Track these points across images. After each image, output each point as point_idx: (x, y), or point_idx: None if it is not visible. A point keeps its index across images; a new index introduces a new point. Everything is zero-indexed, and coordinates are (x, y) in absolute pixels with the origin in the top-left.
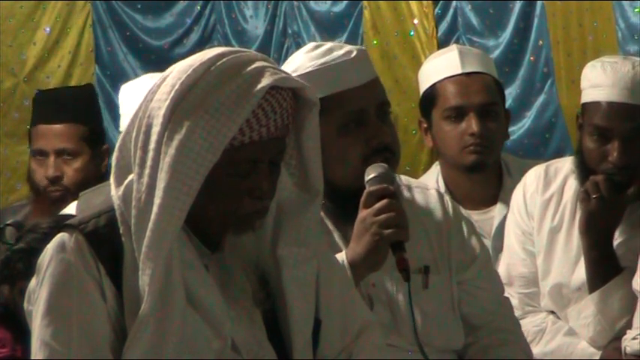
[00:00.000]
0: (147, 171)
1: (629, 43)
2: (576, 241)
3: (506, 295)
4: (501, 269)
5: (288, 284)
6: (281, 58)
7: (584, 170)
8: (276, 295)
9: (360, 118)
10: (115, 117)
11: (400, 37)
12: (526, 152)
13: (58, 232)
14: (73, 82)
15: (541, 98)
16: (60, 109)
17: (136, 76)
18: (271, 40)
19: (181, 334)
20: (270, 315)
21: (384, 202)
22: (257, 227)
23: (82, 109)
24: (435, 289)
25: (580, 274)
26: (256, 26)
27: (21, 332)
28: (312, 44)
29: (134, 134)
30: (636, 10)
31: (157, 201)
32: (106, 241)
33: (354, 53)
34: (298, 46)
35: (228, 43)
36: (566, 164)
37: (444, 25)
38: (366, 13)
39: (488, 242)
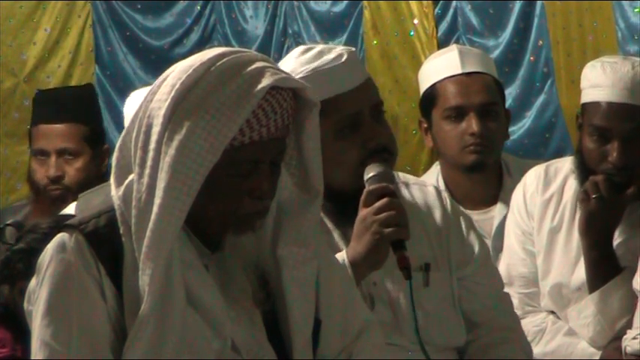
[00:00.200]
0: (147, 171)
1: (629, 43)
2: (576, 241)
3: (505, 291)
4: (501, 269)
5: (288, 284)
6: (281, 59)
7: (583, 170)
8: (276, 296)
9: (355, 121)
10: (115, 117)
11: (400, 37)
12: (526, 152)
13: (58, 232)
14: (73, 82)
15: (541, 98)
16: (61, 109)
17: (136, 76)
18: (271, 40)
19: (181, 334)
20: (270, 315)
21: (384, 200)
22: (257, 227)
23: (83, 109)
24: (436, 286)
25: (580, 274)
26: (256, 26)
27: (21, 332)
28: (301, 48)
29: (134, 134)
30: (636, 10)
31: (157, 201)
32: (106, 241)
33: (345, 57)
34: (298, 46)
35: (228, 43)
36: (566, 164)
37: (444, 25)
38: (366, 13)
39: (488, 242)
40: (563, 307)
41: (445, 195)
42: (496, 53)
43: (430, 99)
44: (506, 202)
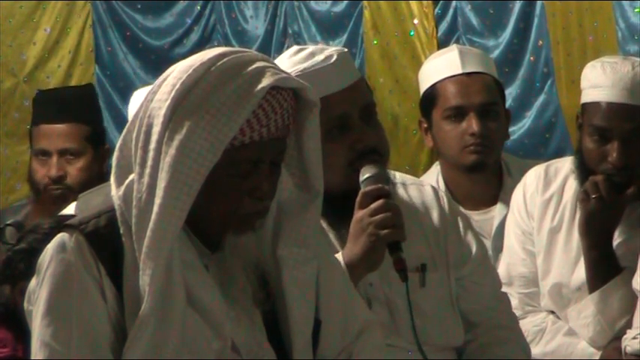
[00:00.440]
0: (147, 171)
1: (629, 43)
2: (576, 241)
3: (503, 290)
4: (501, 269)
5: (288, 285)
6: None
7: (583, 170)
8: (276, 296)
9: (343, 122)
10: (115, 117)
11: (400, 37)
12: (526, 152)
13: (59, 232)
14: (73, 82)
15: (541, 98)
16: (62, 109)
17: (136, 76)
18: (271, 40)
19: (181, 334)
20: (270, 315)
21: (379, 202)
22: (257, 227)
23: (85, 109)
24: (433, 286)
25: (580, 274)
26: (256, 26)
27: (22, 332)
28: (294, 48)
29: (135, 134)
30: (636, 10)
31: (157, 201)
32: (106, 242)
33: (334, 57)
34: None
35: (228, 43)
36: (566, 164)
37: (444, 25)
38: (367, 13)
39: (488, 242)
40: (563, 307)
41: (442, 194)
42: (496, 53)
43: (430, 99)
44: (507, 203)
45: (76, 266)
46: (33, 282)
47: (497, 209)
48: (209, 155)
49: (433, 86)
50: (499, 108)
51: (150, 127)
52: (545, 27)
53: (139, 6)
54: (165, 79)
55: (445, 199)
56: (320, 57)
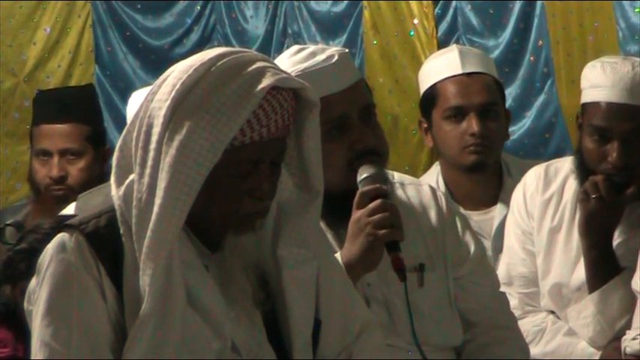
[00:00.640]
0: (147, 171)
1: (629, 43)
2: (576, 241)
3: (503, 290)
4: (501, 269)
5: (288, 285)
6: None
7: (583, 170)
8: (276, 296)
9: (342, 123)
10: (115, 117)
11: (400, 37)
12: (526, 152)
13: (59, 232)
14: (73, 82)
15: (541, 98)
16: (63, 109)
17: (136, 76)
18: (271, 40)
19: (181, 334)
20: (270, 315)
21: (377, 202)
22: (257, 227)
23: (85, 109)
24: (431, 286)
25: (580, 274)
26: (256, 26)
27: (22, 332)
28: (295, 47)
29: (135, 134)
30: (637, 10)
31: (157, 201)
32: (106, 242)
33: (335, 58)
34: None
35: (228, 43)
36: (566, 164)
37: (444, 25)
38: (366, 13)
39: (488, 243)
40: (563, 307)
41: (440, 194)
42: (496, 53)
43: (430, 99)
44: (507, 203)
45: (76, 266)
46: (33, 282)
47: (497, 209)
48: (209, 155)
49: (433, 86)
50: (499, 108)
51: (150, 127)
52: (545, 27)
53: (139, 6)
54: (165, 80)
55: (443, 199)
56: (321, 57)
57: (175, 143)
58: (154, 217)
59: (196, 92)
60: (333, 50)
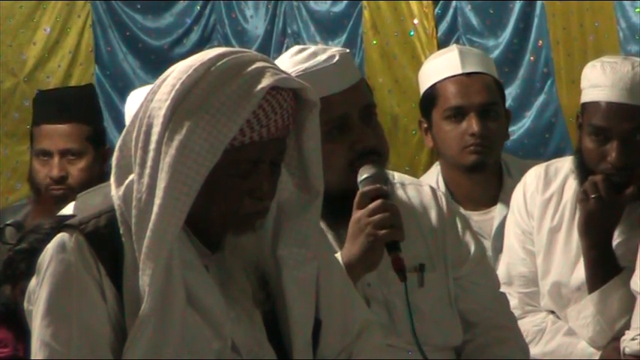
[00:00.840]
0: (147, 171)
1: (630, 42)
2: (576, 241)
3: (503, 291)
4: (501, 269)
5: (288, 285)
6: None
7: (583, 170)
8: (276, 296)
9: (343, 123)
10: (115, 117)
11: (400, 37)
12: (526, 152)
13: (59, 232)
14: (73, 82)
15: (541, 98)
16: (63, 109)
17: (136, 76)
18: (271, 40)
19: (181, 334)
20: (271, 315)
21: (377, 202)
22: (257, 227)
23: (85, 109)
24: (431, 286)
25: (579, 274)
26: (256, 26)
27: (23, 332)
28: (296, 48)
29: (134, 134)
30: (637, 10)
31: (157, 201)
32: (106, 242)
33: (336, 58)
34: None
35: (228, 43)
36: (566, 164)
37: (444, 25)
38: (366, 13)
39: (488, 243)
40: (562, 307)
41: (441, 195)
42: (496, 53)
43: (430, 99)
44: (507, 203)
45: (76, 266)
46: (33, 282)
47: (497, 210)
48: (209, 155)
49: (433, 86)
50: (499, 108)
51: (150, 127)
52: (546, 27)
53: (139, 6)
54: (165, 80)
55: (443, 199)
56: (322, 57)
57: (175, 143)
58: (153, 217)
59: (196, 92)
60: (334, 50)
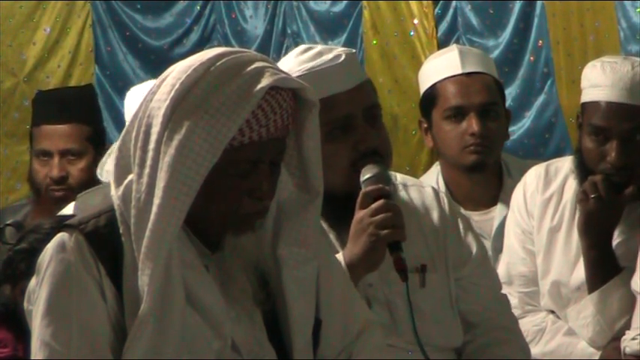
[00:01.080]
0: (146, 171)
1: (631, 42)
2: (576, 241)
3: (505, 292)
4: (501, 268)
5: (288, 284)
6: (280, 58)
7: (583, 170)
8: (276, 296)
9: (347, 123)
10: (115, 117)
11: (400, 37)
12: (526, 152)
13: (59, 232)
14: (72, 82)
15: (541, 98)
16: (63, 109)
17: (136, 76)
18: (271, 40)
19: (181, 334)
20: (271, 315)
21: (380, 202)
22: (257, 227)
23: (85, 110)
24: (432, 287)
25: (579, 273)
26: (256, 26)
27: (22, 332)
28: (302, 47)
29: (134, 134)
30: (638, 10)
31: (156, 201)
32: (105, 241)
33: (342, 58)
34: (297, 46)
35: (227, 43)
36: (566, 164)
37: (444, 25)
38: (366, 13)
39: (488, 243)
40: (562, 307)
41: (443, 196)
42: (496, 53)
43: (430, 99)
44: (507, 203)
45: (76, 266)
46: (33, 282)
47: (498, 210)
48: (208, 155)
49: (433, 86)
50: (499, 108)
51: (149, 127)
52: (546, 27)
53: (139, 6)
54: (164, 80)
55: (446, 201)
56: (328, 56)
57: (174, 143)
58: (152, 217)
59: (195, 92)
60: (340, 50)
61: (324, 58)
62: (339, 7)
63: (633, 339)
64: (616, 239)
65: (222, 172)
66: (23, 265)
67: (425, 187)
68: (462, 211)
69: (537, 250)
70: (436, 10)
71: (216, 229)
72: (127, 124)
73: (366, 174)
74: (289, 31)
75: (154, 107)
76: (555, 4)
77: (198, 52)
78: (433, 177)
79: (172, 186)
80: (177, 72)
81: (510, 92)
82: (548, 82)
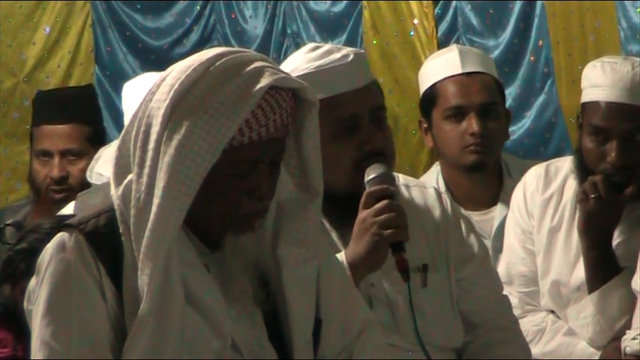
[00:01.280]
0: (146, 170)
1: (631, 43)
2: (576, 241)
3: (505, 293)
4: (501, 268)
5: (288, 284)
6: (280, 58)
7: (583, 170)
8: (276, 295)
9: (353, 122)
10: (115, 117)
11: (400, 37)
12: (526, 152)
13: (59, 232)
14: (72, 82)
15: (541, 98)
16: (63, 109)
17: (136, 76)
18: (271, 40)
19: (181, 333)
20: (271, 315)
21: (383, 202)
22: (257, 227)
23: (85, 110)
24: (434, 287)
25: (579, 273)
26: (256, 26)
27: (22, 332)
28: (311, 45)
29: (133, 134)
30: (639, 10)
31: (156, 201)
32: (105, 241)
33: (351, 57)
34: (297, 46)
35: (227, 43)
36: (566, 164)
37: (444, 25)
38: (366, 13)
39: (488, 243)
40: (562, 307)
41: (445, 197)
42: (496, 53)
43: (430, 99)
44: (507, 203)
45: (76, 266)
46: (33, 281)
47: (498, 210)
48: (208, 155)
49: (433, 86)
50: (499, 108)
51: (149, 127)
52: (546, 27)
53: (139, 6)
54: (164, 80)
55: (448, 201)
56: (336, 55)
57: (174, 143)
58: (152, 216)
59: (195, 92)
60: (349, 50)
61: (333, 56)
62: (339, 7)
63: (633, 339)
64: (616, 239)
65: (221, 171)
66: (23, 265)
67: (427, 187)
68: (462, 211)
69: (537, 250)
70: (436, 10)
71: (216, 229)
72: (125, 116)
73: (370, 174)
74: (289, 31)
75: (154, 107)
76: (555, 4)
77: (198, 52)
78: (433, 177)
79: (172, 186)
80: (176, 72)
81: (510, 92)
82: (549, 82)
